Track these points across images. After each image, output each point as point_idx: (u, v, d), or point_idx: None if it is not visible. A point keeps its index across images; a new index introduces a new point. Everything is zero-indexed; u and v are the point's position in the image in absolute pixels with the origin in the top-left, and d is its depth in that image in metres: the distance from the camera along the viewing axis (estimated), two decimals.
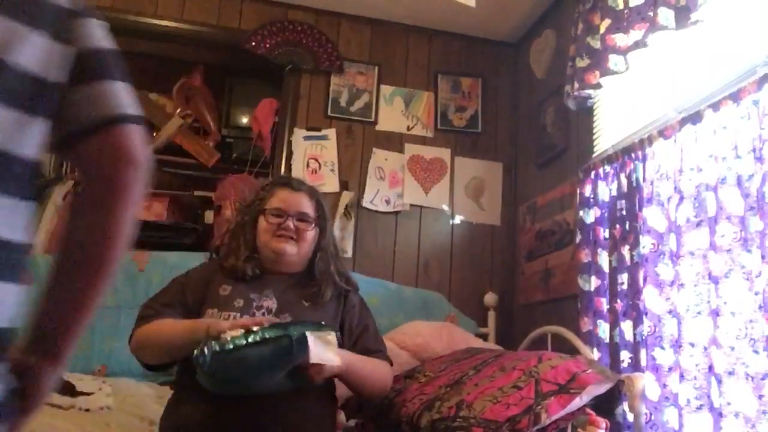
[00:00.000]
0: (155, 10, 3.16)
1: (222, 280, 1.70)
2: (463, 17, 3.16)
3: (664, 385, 1.85)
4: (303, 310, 1.67)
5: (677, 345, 1.83)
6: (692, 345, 1.79)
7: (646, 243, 2.01)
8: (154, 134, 3.69)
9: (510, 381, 1.76)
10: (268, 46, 3.21)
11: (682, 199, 1.90)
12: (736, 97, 1.75)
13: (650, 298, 1.96)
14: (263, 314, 1.62)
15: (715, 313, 1.70)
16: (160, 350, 1.62)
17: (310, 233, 1.76)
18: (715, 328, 1.68)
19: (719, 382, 1.65)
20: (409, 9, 3.27)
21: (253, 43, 3.20)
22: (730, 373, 1.63)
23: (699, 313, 1.79)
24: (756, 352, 1.58)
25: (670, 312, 1.90)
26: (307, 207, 1.78)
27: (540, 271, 2.89)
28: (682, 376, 1.79)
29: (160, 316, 1.64)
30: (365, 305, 1.86)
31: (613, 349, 2.11)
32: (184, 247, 3.31)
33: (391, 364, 1.82)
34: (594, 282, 2.26)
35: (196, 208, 3.77)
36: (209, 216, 3.59)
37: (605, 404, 1.85)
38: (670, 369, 1.85)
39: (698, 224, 1.84)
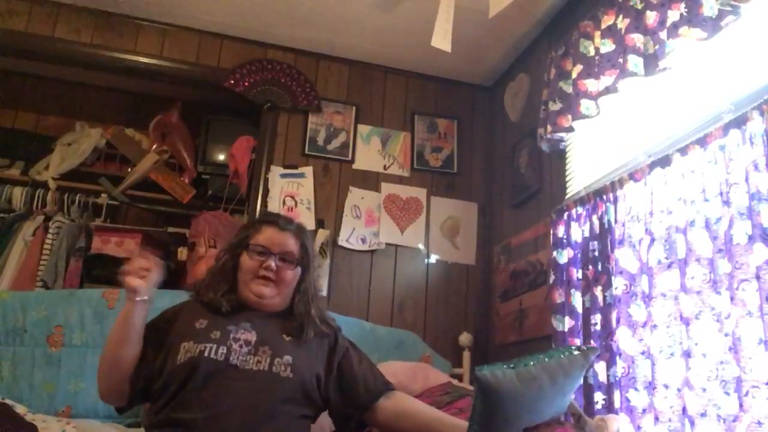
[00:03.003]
0: (134, 46, 3.18)
1: (199, 314, 1.67)
2: (439, 60, 3.23)
3: (639, 427, 1.85)
4: (284, 344, 1.63)
5: (651, 387, 1.84)
6: (666, 387, 1.80)
7: (618, 284, 2.03)
8: (129, 170, 3.67)
9: None
10: (247, 84, 3.24)
11: (653, 240, 1.93)
12: (703, 142, 1.80)
13: (623, 339, 1.97)
14: (240, 346, 1.57)
15: (687, 355, 1.71)
16: (110, 365, 1.57)
17: (291, 273, 1.73)
18: (687, 370, 1.70)
19: (692, 423, 1.65)
20: (387, 51, 3.33)
21: (232, 81, 3.23)
22: (702, 415, 1.64)
23: (672, 354, 1.80)
24: (727, 393, 1.59)
25: (643, 353, 1.91)
26: (292, 246, 1.75)
27: (514, 311, 2.89)
28: (656, 419, 1.79)
29: None
30: (354, 344, 1.82)
31: (587, 390, 2.11)
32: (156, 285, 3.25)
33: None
34: (568, 323, 2.26)
35: (169, 245, 3.72)
36: (183, 253, 3.55)
37: None
38: (644, 411, 1.85)
39: (669, 266, 1.87)
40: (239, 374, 1.52)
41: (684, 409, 1.69)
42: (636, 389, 1.90)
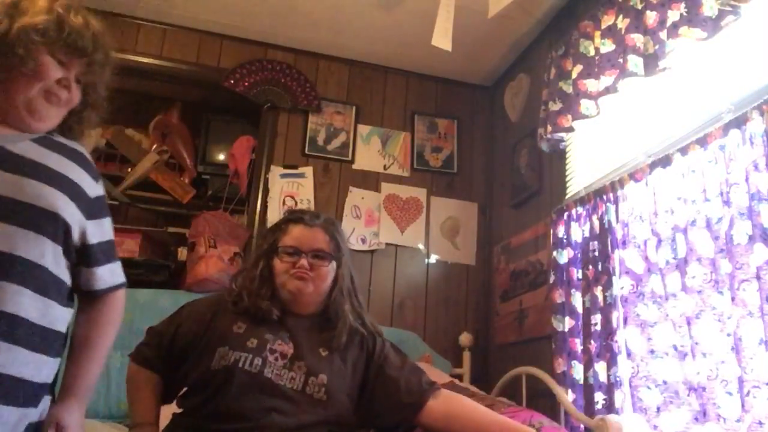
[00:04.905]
0: (135, 46, 3.18)
1: (235, 317, 1.63)
2: (439, 60, 3.22)
3: (655, 427, 1.84)
4: (320, 360, 1.58)
5: (666, 386, 1.83)
6: (675, 385, 1.79)
7: (624, 284, 2.03)
8: (129, 170, 3.67)
9: None
10: (246, 84, 3.24)
11: (660, 241, 1.93)
12: (703, 141, 1.80)
13: (632, 339, 1.97)
14: (276, 359, 1.54)
15: (691, 354, 1.71)
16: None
17: (325, 269, 1.68)
18: (692, 369, 1.70)
19: (696, 420, 1.65)
20: (387, 51, 3.33)
21: (232, 81, 3.23)
22: (703, 414, 1.64)
23: (684, 354, 1.79)
24: (729, 393, 1.59)
25: (651, 352, 1.90)
26: (322, 242, 1.69)
27: (514, 311, 2.89)
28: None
29: (151, 349, 1.64)
30: (397, 348, 1.74)
31: (588, 390, 2.11)
32: (156, 285, 3.25)
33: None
34: (568, 323, 2.27)
35: (169, 245, 3.72)
36: (183, 253, 3.54)
37: None
38: (658, 409, 1.85)
39: (677, 266, 1.86)
40: (274, 390, 1.49)
41: (691, 408, 1.69)
42: (648, 388, 1.89)
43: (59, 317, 1.23)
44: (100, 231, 1.33)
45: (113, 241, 1.39)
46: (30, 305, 1.16)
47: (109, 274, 1.35)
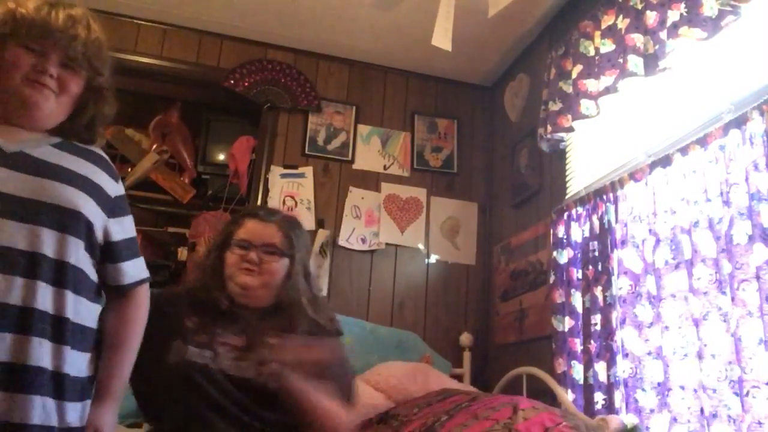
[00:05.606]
0: (135, 46, 3.18)
1: (189, 311, 1.64)
2: (439, 60, 3.22)
3: (647, 428, 1.84)
4: (270, 350, 1.57)
5: (662, 387, 1.83)
6: (682, 388, 1.78)
7: (623, 284, 2.03)
8: (129, 170, 3.67)
9: (483, 430, 1.73)
10: (246, 84, 3.24)
11: (658, 241, 1.93)
12: (703, 142, 1.80)
13: (629, 339, 1.97)
14: (227, 351, 1.55)
15: (698, 356, 1.70)
16: None
17: (276, 265, 1.67)
18: (700, 371, 1.69)
19: (709, 425, 1.65)
20: (387, 51, 3.33)
21: (232, 81, 3.23)
22: (714, 416, 1.63)
23: (685, 355, 1.79)
24: (736, 394, 1.59)
25: (649, 353, 1.90)
26: (275, 238, 1.69)
27: (514, 311, 2.89)
28: (675, 419, 1.77)
29: None
30: (345, 360, 1.72)
31: (588, 390, 2.11)
32: (156, 285, 3.21)
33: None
34: (568, 323, 2.27)
35: (169, 245, 3.72)
36: (183, 253, 3.55)
37: None
38: (651, 411, 1.85)
39: (677, 266, 1.85)
40: (225, 382, 1.50)
41: (701, 410, 1.68)
42: (643, 390, 1.89)
43: (89, 313, 1.29)
44: (122, 228, 1.39)
45: (135, 237, 1.46)
46: (62, 302, 1.21)
47: (134, 269, 1.41)
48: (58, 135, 1.34)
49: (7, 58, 1.27)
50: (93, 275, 1.31)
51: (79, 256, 1.25)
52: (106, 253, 1.35)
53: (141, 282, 1.43)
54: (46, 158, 1.28)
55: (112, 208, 1.36)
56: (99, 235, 1.32)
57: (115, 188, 1.39)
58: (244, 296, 1.67)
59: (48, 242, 1.20)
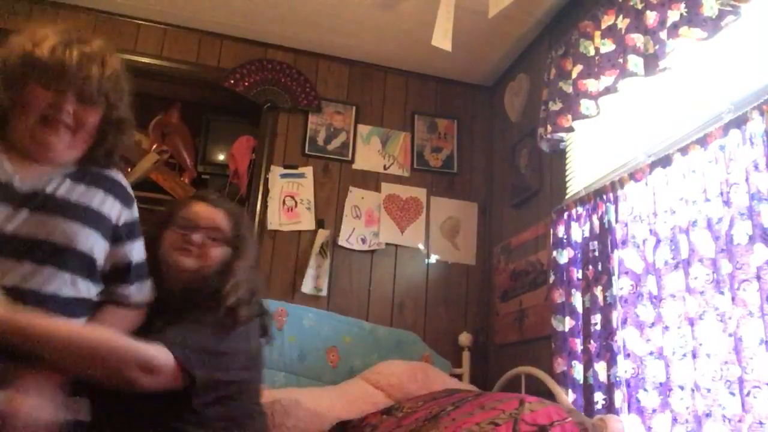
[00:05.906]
0: (135, 46, 3.18)
1: None
2: (439, 60, 3.22)
3: (650, 428, 1.84)
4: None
5: (666, 387, 1.83)
6: (681, 388, 1.78)
7: (624, 284, 2.03)
8: (129, 170, 3.67)
9: (488, 417, 1.75)
10: (246, 84, 3.24)
11: (658, 241, 1.93)
12: (703, 142, 1.80)
13: (631, 339, 1.97)
14: None
15: (693, 355, 1.70)
16: None
17: (217, 251, 1.59)
18: (694, 370, 1.69)
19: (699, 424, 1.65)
20: (387, 51, 3.33)
21: (232, 81, 3.23)
22: (707, 415, 1.63)
23: (684, 355, 1.78)
24: (732, 394, 1.59)
25: (651, 353, 1.90)
26: (221, 223, 1.62)
27: (514, 311, 2.89)
28: (675, 420, 1.77)
29: None
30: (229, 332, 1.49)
31: (588, 390, 2.11)
32: None
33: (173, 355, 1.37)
34: (568, 323, 2.27)
35: None
36: None
37: None
38: (654, 411, 1.85)
39: (676, 266, 1.85)
40: None
41: (696, 410, 1.68)
42: (645, 390, 1.89)
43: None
44: (129, 253, 1.44)
45: (143, 262, 1.49)
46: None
47: (137, 292, 1.46)
48: (76, 162, 1.38)
49: (25, 98, 1.30)
50: (95, 297, 1.37)
51: (78, 287, 1.31)
52: (112, 276, 1.41)
53: (142, 304, 1.49)
54: (54, 193, 1.31)
55: (118, 235, 1.41)
56: (102, 263, 1.37)
57: (125, 215, 1.44)
58: (176, 278, 1.57)
59: (48, 280, 1.25)
